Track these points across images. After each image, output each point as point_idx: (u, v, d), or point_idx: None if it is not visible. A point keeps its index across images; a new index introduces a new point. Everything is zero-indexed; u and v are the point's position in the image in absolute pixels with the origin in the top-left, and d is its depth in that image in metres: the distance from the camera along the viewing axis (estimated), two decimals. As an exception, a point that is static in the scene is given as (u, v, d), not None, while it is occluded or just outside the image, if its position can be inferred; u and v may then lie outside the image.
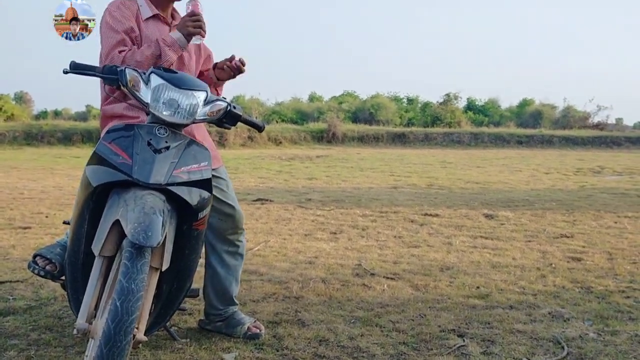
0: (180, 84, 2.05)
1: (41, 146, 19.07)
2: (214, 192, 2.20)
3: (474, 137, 24.86)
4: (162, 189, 1.93)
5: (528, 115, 36.87)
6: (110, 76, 2.10)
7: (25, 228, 5.39)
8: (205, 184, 2.06)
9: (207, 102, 2.12)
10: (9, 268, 3.88)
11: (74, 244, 2.13)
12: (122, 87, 2.09)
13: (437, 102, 33.77)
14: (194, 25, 2.33)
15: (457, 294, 3.42)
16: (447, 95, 32.97)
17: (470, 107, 39.39)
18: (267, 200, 7.61)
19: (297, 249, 4.65)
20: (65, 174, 11.06)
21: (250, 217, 6.15)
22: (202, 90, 2.10)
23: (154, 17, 2.48)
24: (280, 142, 21.42)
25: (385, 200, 7.79)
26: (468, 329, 2.82)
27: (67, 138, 19.66)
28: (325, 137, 23.17)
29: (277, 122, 26.45)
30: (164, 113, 2.03)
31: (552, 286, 3.64)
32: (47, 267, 2.42)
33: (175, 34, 2.35)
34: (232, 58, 2.56)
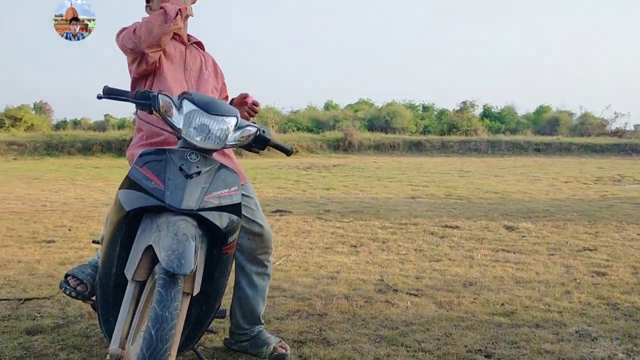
0: (211, 110, 2.08)
1: (61, 156, 19.31)
2: (242, 212, 2.22)
3: (491, 145, 24.72)
4: (193, 214, 1.95)
5: (545, 122, 36.62)
6: (143, 101, 2.13)
7: (49, 242, 5.46)
8: (234, 209, 2.08)
9: (237, 128, 2.15)
10: (35, 284, 3.93)
11: (106, 267, 2.15)
12: (154, 112, 2.12)
13: (454, 110, 33.65)
14: None
15: (481, 312, 3.40)
16: (464, 103, 32.86)
17: (487, 114, 39.21)
18: (286, 211, 7.63)
19: (318, 264, 4.65)
20: (86, 184, 11.19)
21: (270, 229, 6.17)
22: (232, 116, 2.13)
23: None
24: (297, 151, 21.46)
25: (404, 211, 7.76)
26: (495, 349, 2.80)
27: (86, 148, 19.89)
28: (342, 146, 23.18)
29: (293, 130, 26.54)
30: (196, 138, 2.06)
31: (577, 303, 3.61)
32: (79, 288, 2.45)
33: None
34: (245, 96, 2.66)
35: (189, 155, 2.04)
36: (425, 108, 41.73)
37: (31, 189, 10.37)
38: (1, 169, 14.81)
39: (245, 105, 2.63)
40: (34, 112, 36.01)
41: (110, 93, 2.17)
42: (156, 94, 2.11)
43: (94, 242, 2.79)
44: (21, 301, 3.52)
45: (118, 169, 15.17)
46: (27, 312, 3.33)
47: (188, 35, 2.71)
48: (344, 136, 23.65)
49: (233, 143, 2.16)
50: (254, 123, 2.25)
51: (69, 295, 2.45)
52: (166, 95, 2.11)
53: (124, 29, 2.51)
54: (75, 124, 38.48)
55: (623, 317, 3.33)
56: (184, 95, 2.12)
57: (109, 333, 2.25)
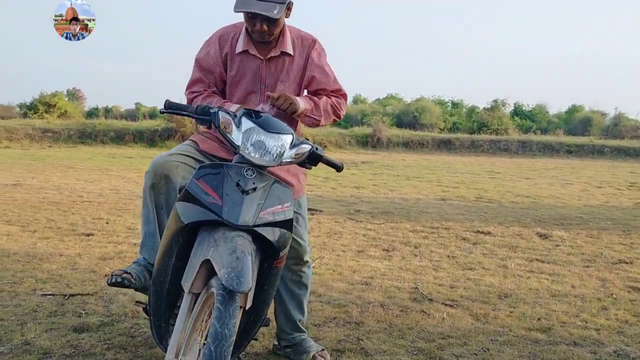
0: (269, 128, 2.14)
1: (94, 145, 19.67)
2: None
3: (521, 145, 24.42)
4: (249, 229, 2.01)
5: (577, 122, 36.10)
6: (203, 117, 2.21)
7: (88, 235, 5.59)
8: (286, 224, 2.13)
9: (293, 145, 2.20)
10: (78, 279, 4.04)
11: (160, 275, 2.22)
12: (214, 128, 2.19)
13: (484, 108, 33.31)
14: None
15: (518, 326, 3.41)
16: (495, 101, 32.49)
17: (517, 112, 38.76)
18: (317, 210, 7.67)
19: (352, 268, 4.69)
20: (120, 175, 11.40)
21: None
22: (288, 134, 2.19)
23: (245, 52, 2.59)
24: (326, 146, 21.50)
25: (434, 214, 7.76)
26: (533, 367, 2.82)
27: (119, 137, 20.22)
28: (370, 142, 23.16)
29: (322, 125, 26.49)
30: (254, 155, 2.12)
31: (615, 320, 3.59)
32: (124, 275, 2.49)
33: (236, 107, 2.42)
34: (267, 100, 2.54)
35: (246, 171, 2.10)
36: (455, 104, 41.43)
37: (67, 178, 10.61)
38: (38, 156, 15.16)
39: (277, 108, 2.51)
40: (67, 98, 36.69)
41: (171, 107, 2.25)
42: (216, 110, 2.18)
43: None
44: (66, 297, 3.64)
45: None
46: (73, 308, 3.44)
47: (280, 42, 2.58)
48: (372, 132, 23.62)
49: (289, 160, 2.21)
50: (308, 140, 2.30)
51: (115, 282, 2.42)
52: (226, 111, 2.18)
53: (197, 64, 2.67)
54: (107, 111, 39.18)
55: (662, 338, 3.30)
56: (242, 112, 2.18)
57: (159, 337, 2.33)
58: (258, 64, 2.60)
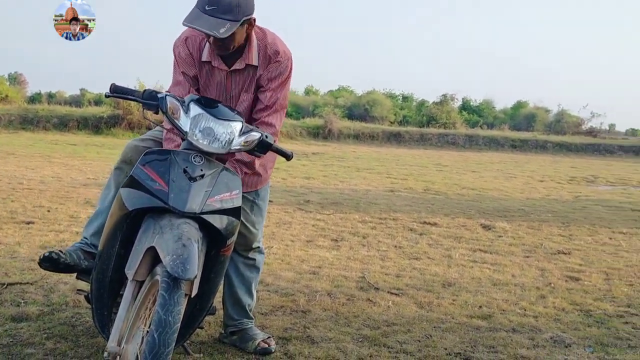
0: (217, 114, 2.12)
1: (37, 131, 18.98)
2: None
3: (468, 139, 24.98)
4: (195, 217, 1.98)
5: (522, 118, 37.22)
6: (150, 102, 2.16)
7: (28, 223, 5.40)
8: (234, 211, 2.12)
9: (242, 133, 2.18)
10: (17, 268, 3.90)
11: (103, 262, 2.18)
12: (161, 113, 2.15)
13: (433, 102, 33.92)
14: None
15: (460, 314, 3.50)
16: (444, 96, 33.13)
17: (465, 107, 39.59)
18: (266, 200, 7.64)
19: (300, 257, 4.70)
20: (63, 163, 11.05)
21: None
22: (237, 121, 2.17)
23: (209, 62, 2.53)
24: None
25: (383, 205, 7.86)
26: (473, 352, 2.90)
27: (62, 124, 19.58)
28: (321, 134, 23.23)
29: (273, 115, 26.40)
30: (202, 142, 2.09)
31: (552, 308, 3.73)
32: (54, 251, 2.44)
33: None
34: None
35: (194, 158, 2.08)
36: (405, 98, 41.97)
37: (7, 164, 10.20)
38: (-25, 142, 14.54)
39: None
40: (8, 82, 35.22)
41: (117, 91, 2.19)
42: (164, 95, 2.14)
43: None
44: (4, 286, 3.51)
45: (94, 147, 15.01)
46: (11, 297, 3.32)
47: (246, 54, 2.50)
48: (324, 124, 23.69)
49: (237, 147, 2.19)
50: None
51: (44, 256, 2.41)
52: (174, 97, 2.14)
53: (174, 68, 2.60)
54: (51, 97, 37.79)
55: (595, 325, 3.45)
56: (191, 98, 2.15)
57: (101, 326, 2.28)
58: (223, 75, 2.55)
